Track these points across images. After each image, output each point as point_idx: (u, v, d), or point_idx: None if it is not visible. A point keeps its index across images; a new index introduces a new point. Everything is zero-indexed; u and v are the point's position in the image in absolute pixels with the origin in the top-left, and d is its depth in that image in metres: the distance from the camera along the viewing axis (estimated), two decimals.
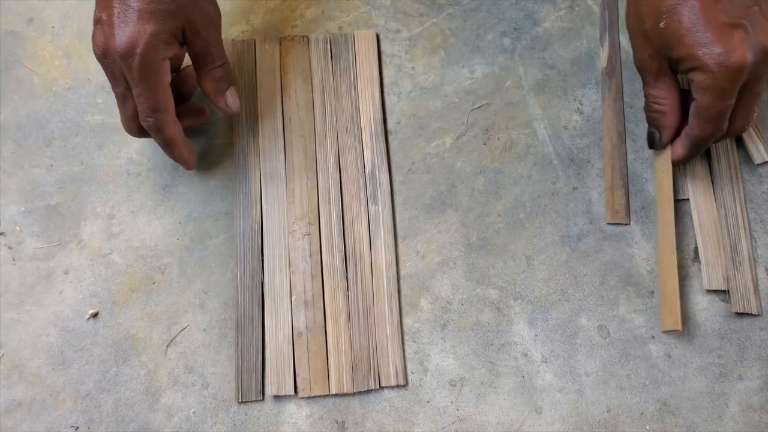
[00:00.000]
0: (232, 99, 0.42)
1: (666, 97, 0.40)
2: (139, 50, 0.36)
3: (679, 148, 0.41)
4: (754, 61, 0.35)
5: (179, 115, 0.41)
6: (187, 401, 0.40)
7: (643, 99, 0.42)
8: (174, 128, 0.40)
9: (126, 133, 0.41)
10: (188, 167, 0.43)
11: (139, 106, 0.38)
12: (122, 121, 0.40)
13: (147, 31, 0.36)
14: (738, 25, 0.35)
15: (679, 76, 0.40)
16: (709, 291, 0.42)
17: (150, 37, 0.36)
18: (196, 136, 0.45)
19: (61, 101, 0.46)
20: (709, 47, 0.35)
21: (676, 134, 0.41)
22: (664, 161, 0.42)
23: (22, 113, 0.46)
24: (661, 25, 0.37)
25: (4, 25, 0.48)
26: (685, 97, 0.40)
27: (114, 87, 0.39)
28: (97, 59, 0.38)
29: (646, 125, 0.43)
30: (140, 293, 0.42)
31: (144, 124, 0.39)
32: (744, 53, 0.35)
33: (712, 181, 0.44)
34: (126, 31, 0.36)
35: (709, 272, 0.42)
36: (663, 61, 0.39)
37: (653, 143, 0.42)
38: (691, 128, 0.39)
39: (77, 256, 0.43)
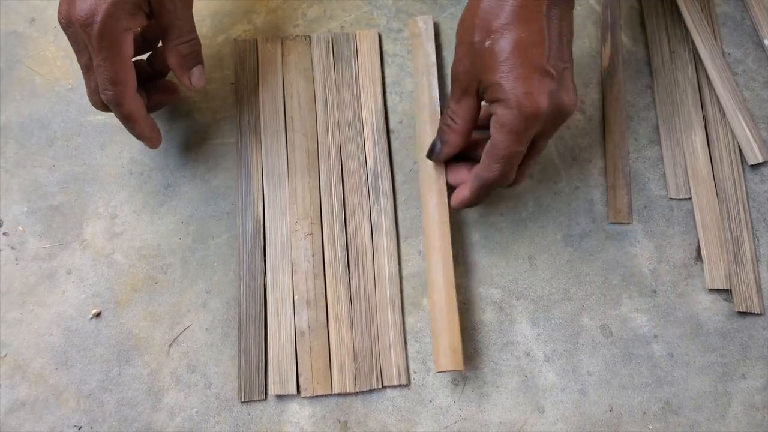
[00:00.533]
0: (198, 76, 0.41)
1: (462, 117, 0.38)
2: (98, 18, 0.35)
3: (465, 190, 0.39)
4: (549, 113, 0.35)
5: (149, 91, 0.40)
6: (190, 401, 0.40)
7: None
8: (133, 104, 0.38)
9: (129, 134, 0.41)
10: (152, 146, 0.42)
11: (99, 78, 0.37)
12: (87, 94, 0.40)
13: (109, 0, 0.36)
14: (548, 75, 0.34)
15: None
16: (712, 290, 0.42)
17: (110, 5, 0.36)
18: (198, 136, 0.45)
19: (63, 101, 0.46)
20: (517, 83, 0.34)
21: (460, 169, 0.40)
22: (431, 182, 0.41)
23: (25, 113, 0.46)
24: (487, 44, 0.35)
25: (6, 25, 0.48)
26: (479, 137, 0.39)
27: (78, 58, 0.38)
28: (62, 28, 0.37)
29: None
30: (143, 293, 0.42)
31: (103, 97, 0.38)
32: (544, 102, 0.34)
33: (714, 180, 0.44)
34: (87, 0, 0.35)
35: (712, 271, 0.42)
36: (473, 81, 0.37)
37: (431, 154, 0.40)
38: (481, 168, 0.37)
39: (80, 256, 0.43)
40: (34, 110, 0.46)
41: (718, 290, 0.42)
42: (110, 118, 0.45)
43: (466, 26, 0.37)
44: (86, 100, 0.46)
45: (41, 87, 0.46)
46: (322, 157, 0.44)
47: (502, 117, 0.35)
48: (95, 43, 0.36)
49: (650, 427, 0.40)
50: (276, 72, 0.46)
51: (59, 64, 0.47)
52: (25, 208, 0.44)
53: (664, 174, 0.45)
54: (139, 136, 0.41)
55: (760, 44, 0.47)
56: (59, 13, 0.37)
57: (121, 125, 0.44)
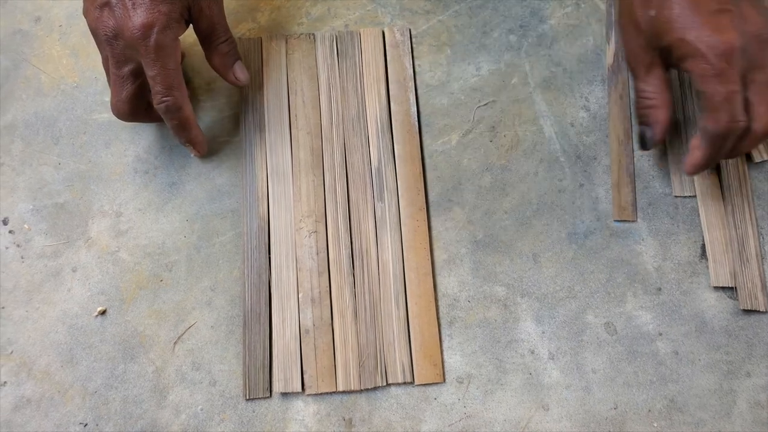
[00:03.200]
0: (240, 72, 0.43)
1: (656, 90, 0.39)
2: (155, 30, 0.37)
3: (697, 152, 0.39)
4: (744, 45, 0.35)
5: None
6: (195, 398, 0.40)
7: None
8: (189, 107, 0.41)
9: (134, 132, 0.41)
10: (201, 151, 0.44)
11: (155, 87, 0.39)
12: (113, 103, 0.41)
13: (161, 11, 0.37)
14: (726, 11, 0.36)
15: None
16: (717, 288, 0.42)
17: (165, 17, 0.37)
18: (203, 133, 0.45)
19: (68, 99, 0.46)
20: (698, 31, 0.36)
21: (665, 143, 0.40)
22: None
23: (30, 112, 0.46)
24: (652, 13, 0.37)
25: (11, 24, 0.48)
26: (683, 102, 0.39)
27: (118, 69, 0.39)
28: (102, 41, 0.39)
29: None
30: (148, 291, 0.42)
31: (161, 105, 0.39)
32: (732, 35, 0.35)
33: (719, 177, 0.44)
34: (141, 13, 0.37)
35: (717, 269, 0.42)
36: (654, 52, 0.38)
37: (645, 143, 0.41)
38: (706, 123, 0.37)
39: (85, 254, 0.43)
40: (40, 108, 0.46)
41: (723, 288, 0.42)
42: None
43: (625, 8, 0.39)
44: (92, 98, 0.46)
45: (47, 85, 0.46)
46: (326, 154, 0.44)
47: (699, 69, 0.36)
48: (153, 54, 0.37)
49: (655, 425, 0.39)
50: (280, 70, 0.46)
51: (65, 63, 0.47)
52: (31, 206, 0.44)
53: (669, 171, 0.44)
54: (192, 140, 0.42)
55: None
56: (101, 26, 0.38)
57: (126, 123, 0.45)
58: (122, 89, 0.40)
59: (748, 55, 0.36)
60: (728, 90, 0.36)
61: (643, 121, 0.41)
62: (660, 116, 0.40)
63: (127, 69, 0.39)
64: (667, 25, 0.37)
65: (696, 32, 0.36)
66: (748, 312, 0.42)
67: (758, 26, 0.36)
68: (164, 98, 0.39)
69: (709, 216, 0.43)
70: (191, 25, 0.41)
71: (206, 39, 0.42)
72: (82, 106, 0.46)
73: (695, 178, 0.44)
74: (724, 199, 0.43)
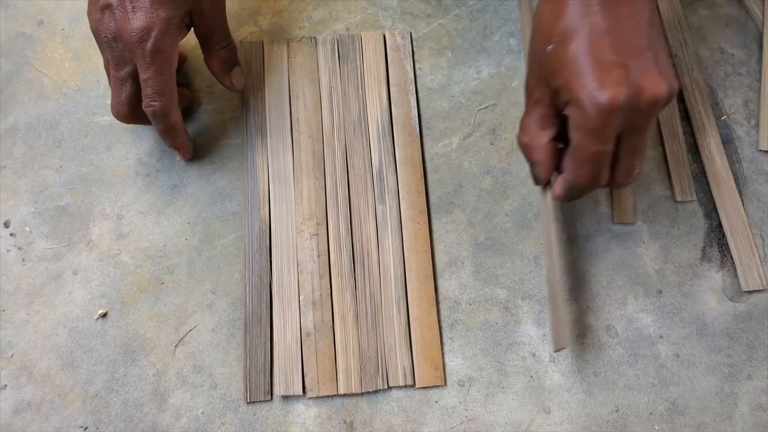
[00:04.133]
0: (238, 77, 0.44)
1: (535, 128, 0.36)
2: (153, 34, 0.37)
3: (558, 188, 0.37)
4: (628, 105, 0.32)
5: None
6: (196, 401, 0.40)
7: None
8: (177, 113, 0.41)
9: (135, 135, 0.41)
10: (186, 156, 0.44)
11: (146, 90, 0.39)
12: (113, 105, 0.41)
13: (161, 16, 0.38)
14: (622, 65, 0.32)
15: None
16: (717, 290, 0.42)
17: (164, 21, 0.38)
18: (204, 137, 0.45)
19: (70, 102, 0.46)
20: (585, 81, 0.33)
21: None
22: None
23: (33, 114, 0.46)
24: (549, 49, 0.34)
25: (14, 27, 0.48)
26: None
27: (116, 71, 0.39)
28: (102, 43, 0.39)
29: None
30: (149, 293, 0.42)
31: (148, 109, 0.39)
32: (618, 93, 0.32)
33: (735, 181, 0.44)
34: (140, 16, 0.37)
35: (745, 273, 0.42)
36: (544, 89, 0.35)
37: (536, 179, 0.38)
38: (568, 173, 0.36)
39: (86, 257, 0.43)
40: (42, 111, 0.46)
41: (723, 290, 0.42)
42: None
43: (533, 38, 0.36)
44: (94, 101, 0.46)
45: (49, 88, 0.47)
46: (327, 158, 0.44)
47: (576, 118, 0.33)
48: (149, 57, 0.38)
49: (656, 428, 0.39)
50: (282, 74, 0.46)
51: (67, 66, 0.47)
52: (32, 209, 0.44)
53: (669, 175, 0.45)
54: (178, 146, 0.43)
55: (764, 45, 0.47)
56: (102, 28, 0.38)
57: (128, 126, 0.45)
58: (121, 91, 0.40)
59: (629, 116, 0.33)
60: (597, 150, 0.34)
61: (526, 157, 0.38)
62: (540, 157, 0.37)
63: (125, 71, 0.39)
64: (559, 65, 0.34)
65: (583, 81, 0.33)
66: (749, 314, 0.42)
67: (650, 84, 0.32)
68: (152, 102, 0.39)
69: (731, 220, 0.43)
70: (192, 29, 0.41)
71: (206, 43, 0.42)
72: (84, 109, 0.46)
73: (711, 184, 0.44)
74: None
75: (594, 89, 0.32)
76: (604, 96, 0.32)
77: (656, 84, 0.33)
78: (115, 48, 0.39)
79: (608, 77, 0.32)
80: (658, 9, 0.34)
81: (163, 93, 0.39)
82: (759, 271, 0.42)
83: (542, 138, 0.36)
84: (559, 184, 0.37)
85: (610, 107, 0.32)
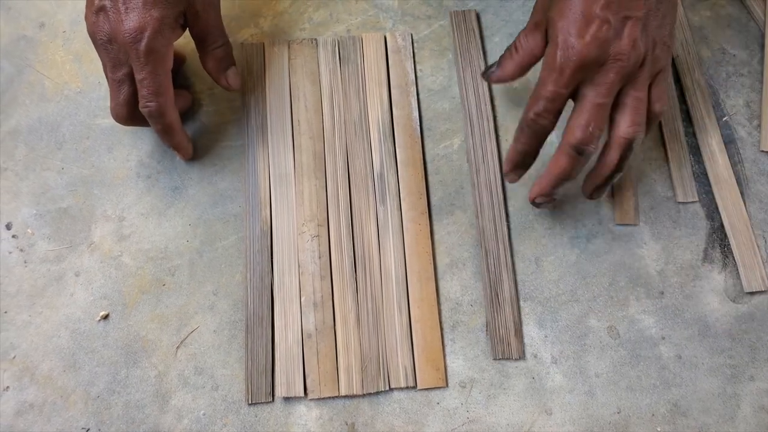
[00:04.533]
0: (233, 77, 0.44)
1: (524, 48, 0.39)
2: (147, 34, 0.37)
3: (513, 143, 0.39)
4: (593, 58, 0.34)
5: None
6: (197, 403, 0.40)
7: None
8: (174, 113, 0.41)
9: (137, 137, 0.41)
10: (185, 156, 0.44)
11: (142, 91, 0.39)
12: (112, 107, 0.41)
13: (153, 16, 0.38)
14: (605, 21, 0.34)
15: None
16: (717, 291, 0.42)
17: (157, 21, 0.38)
18: (205, 139, 0.45)
19: (72, 105, 0.46)
20: (566, 22, 0.35)
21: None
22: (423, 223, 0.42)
23: (34, 117, 0.46)
24: None
25: (16, 29, 0.48)
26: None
27: (113, 73, 0.39)
28: (98, 45, 0.39)
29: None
30: (150, 295, 0.42)
31: (144, 110, 0.39)
32: (591, 47, 0.34)
33: (737, 181, 0.44)
34: (133, 17, 0.37)
35: (748, 274, 0.42)
36: (542, 18, 0.38)
37: (485, 72, 0.42)
38: (526, 108, 0.38)
39: (88, 259, 0.43)
40: (44, 114, 0.46)
41: (725, 291, 0.42)
42: None
43: None
44: (95, 104, 0.46)
45: (50, 91, 0.47)
46: (328, 159, 0.44)
47: (548, 55, 0.36)
48: (143, 58, 0.38)
49: (659, 429, 0.39)
50: (282, 75, 0.46)
51: (68, 68, 0.47)
52: (34, 211, 0.44)
53: (671, 176, 0.45)
54: (176, 146, 0.43)
55: (765, 46, 0.47)
56: (98, 31, 0.39)
57: (129, 128, 0.45)
58: (119, 93, 0.40)
59: (593, 69, 0.35)
60: (554, 90, 0.36)
61: (500, 59, 0.41)
62: (508, 67, 0.40)
63: (122, 73, 0.39)
64: (557, 1, 0.36)
65: (566, 24, 0.35)
66: (751, 316, 0.41)
67: (618, 48, 0.35)
68: (148, 103, 0.39)
69: (733, 221, 0.43)
70: (187, 29, 0.41)
71: (201, 43, 0.42)
72: (86, 112, 0.46)
73: (713, 185, 0.44)
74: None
75: (571, 35, 0.35)
76: (575, 44, 0.35)
77: (628, 45, 0.35)
78: (111, 50, 0.39)
79: (587, 30, 0.35)
80: None
81: (158, 93, 0.39)
82: (761, 272, 0.42)
83: (526, 58, 0.39)
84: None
85: (577, 57, 0.35)
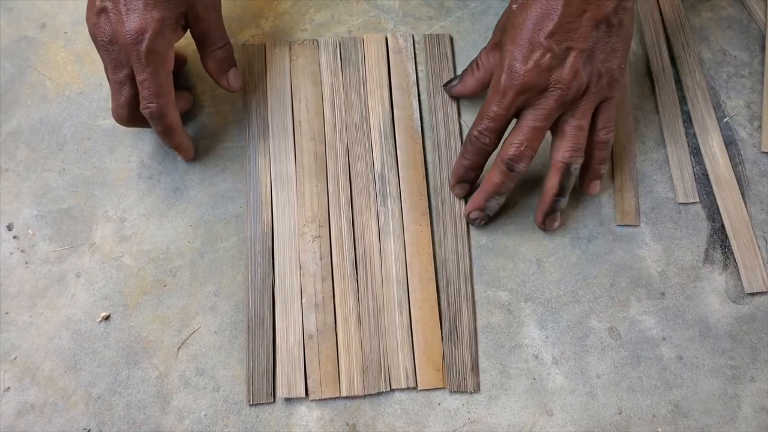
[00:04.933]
0: (234, 78, 0.44)
1: (484, 66, 0.42)
2: (148, 35, 0.37)
3: (458, 159, 0.42)
4: (533, 84, 0.37)
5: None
6: (199, 404, 0.40)
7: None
8: (175, 114, 0.41)
9: (138, 138, 0.41)
10: (187, 156, 0.44)
11: (143, 92, 0.39)
12: (113, 108, 0.41)
13: (154, 17, 0.38)
14: (548, 50, 0.36)
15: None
16: (718, 292, 0.42)
17: (157, 23, 0.38)
18: (206, 140, 0.46)
19: (73, 105, 0.46)
20: (513, 47, 0.37)
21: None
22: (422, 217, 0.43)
23: (36, 118, 0.46)
24: (514, 7, 0.39)
25: (17, 30, 0.48)
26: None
27: (114, 74, 0.40)
28: (100, 47, 0.39)
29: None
30: (151, 296, 0.42)
31: (145, 111, 0.39)
32: (533, 73, 0.36)
33: (738, 182, 0.44)
34: (134, 18, 0.37)
35: (749, 276, 0.42)
36: (500, 37, 0.40)
37: (446, 85, 0.45)
38: (472, 127, 0.40)
39: (89, 259, 0.43)
40: (45, 114, 0.46)
41: (726, 292, 0.42)
42: None
43: None
44: (96, 104, 0.46)
45: (52, 91, 0.47)
46: (329, 160, 0.44)
47: (495, 77, 0.38)
48: (144, 59, 0.38)
49: (660, 430, 0.39)
50: (284, 76, 0.46)
51: (69, 69, 0.47)
52: (35, 212, 0.44)
53: (672, 177, 0.45)
54: (177, 147, 0.43)
55: (766, 47, 0.47)
56: (99, 33, 0.39)
57: (130, 129, 0.45)
58: (120, 94, 0.40)
59: (534, 95, 0.37)
60: (496, 111, 0.38)
61: (461, 74, 0.44)
62: (468, 83, 0.43)
63: (123, 74, 0.39)
64: (510, 24, 0.38)
65: (513, 48, 0.37)
66: (752, 316, 0.41)
67: (558, 77, 0.37)
68: (149, 104, 0.39)
69: (733, 222, 0.43)
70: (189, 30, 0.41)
71: (202, 44, 0.42)
72: (87, 112, 0.46)
73: (714, 185, 0.44)
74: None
75: (516, 60, 0.37)
76: (519, 69, 0.37)
77: (569, 74, 0.37)
78: (112, 51, 0.39)
79: (531, 56, 0.37)
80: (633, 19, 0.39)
81: (159, 94, 0.39)
82: (762, 273, 0.42)
83: (485, 75, 0.42)
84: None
85: (519, 82, 0.37)
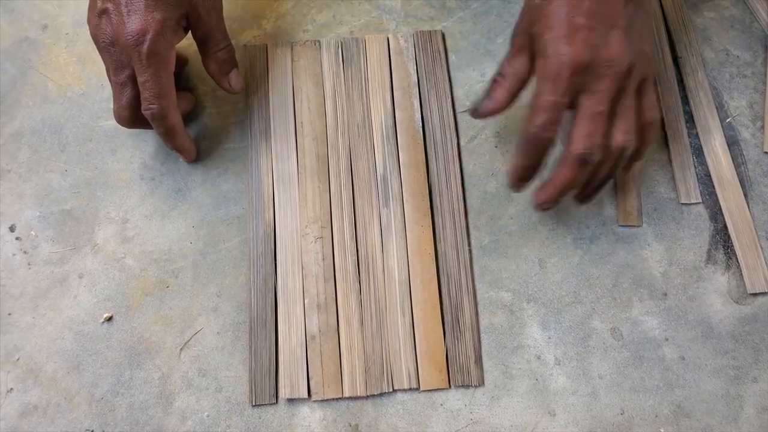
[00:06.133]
0: (235, 79, 0.43)
1: (510, 73, 0.39)
2: (149, 37, 0.37)
3: (513, 157, 0.39)
4: (586, 64, 0.35)
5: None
6: (201, 405, 0.40)
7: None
8: (176, 116, 0.41)
9: (140, 139, 0.41)
10: (189, 158, 0.44)
11: (144, 93, 0.39)
12: (115, 110, 0.41)
13: (156, 18, 0.38)
14: (591, 28, 0.35)
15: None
16: (721, 293, 0.42)
17: (159, 24, 0.38)
18: (208, 141, 0.46)
19: (75, 107, 0.46)
20: (556, 34, 0.35)
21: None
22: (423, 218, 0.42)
23: (37, 119, 0.46)
24: (536, 1, 0.37)
25: (19, 31, 0.48)
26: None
27: (115, 75, 0.40)
28: (101, 48, 0.39)
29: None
30: (154, 297, 0.42)
31: (147, 112, 0.39)
32: (582, 53, 0.35)
33: (740, 183, 0.44)
34: (136, 19, 0.37)
35: (751, 276, 0.42)
36: (527, 39, 0.38)
37: (474, 110, 0.40)
38: (526, 122, 0.37)
39: (91, 261, 0.43)
40: (47, 116, 0.46)
41: (728, 293, 0.42)
42: None
43: None
44: (98, 105, 0.46)
45: (53, 93, 0.47)
46: (331, 161, 0.44)
47: (541, 67, 0.36)
48: (145, 60, 0.38)
49: (662, 431, 0.39)
50: (286, 77, 0.46)
51: (71, 70, 0.47)
52: (38, 213, 0.44)
53: (674, 177, 0.45)
54: (179, 148, 0.43)
55: None
56: (101, 34, 0.39)
57: (132, 130, 0.45)
58: (122, 96, 0.40)
59: (587, 77, 0.35)
60: (554, 100, 0.35)
61: (487, 92, 0.40)
62: (499, 96, 0.39)
63: (124, 75, 0.39)
64: (540, 17, 0.36)
65: (554, 34, 0.35)
66: (754, 317, 0.41)
67: (609, 53, 0.35)
68: (150, 105, 0.39)
69: (736, 222, 0.43)
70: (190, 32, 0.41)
71: (204, 45, 0.42)
72: (89, 114, 0.46)
73: (716, 186, 0.43)
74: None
75: (560, 44, 0.35)
76: (566, 50, 0.35)
77: (617, 51, 0.35)
78: (113, 52, 0.39)
79: (575, 37, 0.35)
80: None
81: (160, 96, 0.39)
82: (764, 273, 0.42)
83: (514, 82, 0.39)
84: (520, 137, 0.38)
85: (570, 62, 0.35)
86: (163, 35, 0.38)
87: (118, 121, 0.41)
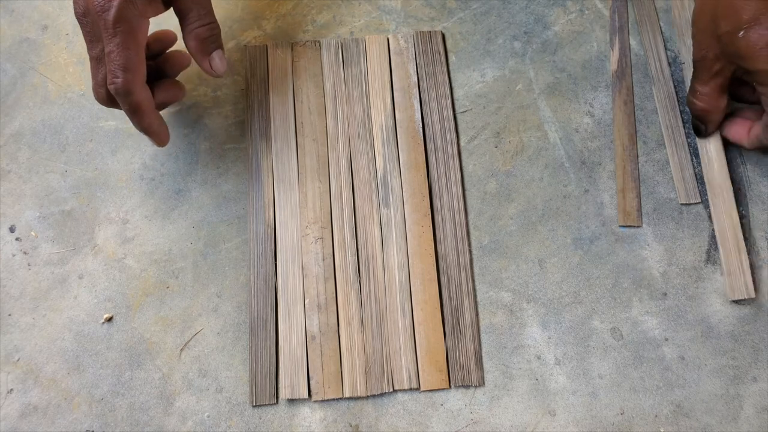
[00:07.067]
0: (218, 61, 0.40)
1: (712, 96, 0.41)
2: (115, 3, 0.35)
3: (755, 139, 0.42)
4: None
5: (155, 89, 0.40)
6: (202, 405, 0.40)
7: (686, 91, 0.44)
8: (143, 93, 0.37)
9: (140, 140, 0.41)
10: (159, 142, 0.40)
11: (109, 65, 0.36)
12: (93, 88, 0.39)
13: None
14: None
15: None
16: (720, 293, 0.42)
17: None
18: (209, 141, 0.46)
19: (75, 107, 0.46)
20: (763, 30, 0.36)
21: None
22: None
23: (38, 119, 0.46)
24: (740, 34, 0.37)
25: (19, 32, 0.48)
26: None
27: (90, 49, 0.37)
28: (77, 19, 0.37)
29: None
30: (154, 297, 0.42)
31: (111, 86, 0.36)
32: None
33: (733, 186, 0.44)
34: None
35: (732, 282, 0.42)
36: (727, 66, 0.39)
37: (699, 133, 0.44)
38: (765, 136, 0.41)
39: (92, 261, 0.43)
40: (47, 116, 0.46)
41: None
42: (122, 124, 0.46)
43: (707, 16, 0.39)
44: (98, 106, 0.46)
45: (54, 93, 0.47)
46: (332, 161, 0.44)
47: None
48: (110, 28, 0.35)
49: (662, 430, 0.39)
50: (286, 77, 0.46)
51: (71, 71, 0.47)
52: (38, 214, 0.44)
53: (673, 177, 0.45)
54: (146, 130, 0.39)
55: None
56: (76, 4, 0.37)
57: (133, 131, 0.45)
58: (97, 72, 0.38)
59: None
60: None
61: (698, 117, 0.43)
62: (714, 118, 0.43)
63: (98, 49, 0.37)
64: (753, 51, 0.37)
65: (762, 30, 0.36)
66: (754, 317, 0.42)
67: None
68: (115, 79, 0.36)
69: (722, 227, 0.42)
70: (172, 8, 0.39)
71: (183, 20, 0.39)
72: (89, 114, 0.46)
73: (708, 189, 0.43)
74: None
75: None
76: None
77: None
78: (86, 23, 0.36)
79: None
80: None
81: (126, 68, 0.36)
82: (746, 280, 0.41)
83: (721, 103, 0.42)
84: (757, 127, 0.41)
85: None
86: (131, 3, 0.35)
87: (96, 99, 0.39)
